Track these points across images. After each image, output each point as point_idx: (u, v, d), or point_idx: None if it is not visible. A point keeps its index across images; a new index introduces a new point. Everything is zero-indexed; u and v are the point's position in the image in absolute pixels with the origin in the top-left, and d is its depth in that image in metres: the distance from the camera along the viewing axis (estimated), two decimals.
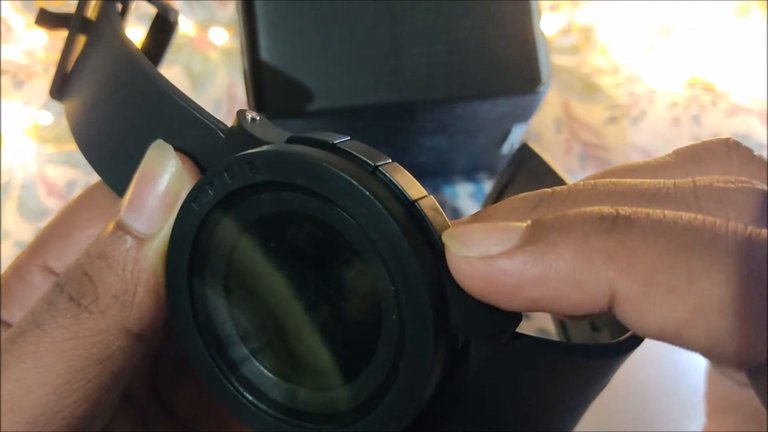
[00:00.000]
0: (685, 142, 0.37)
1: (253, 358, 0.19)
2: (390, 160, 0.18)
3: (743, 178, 0.17)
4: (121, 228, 0.19)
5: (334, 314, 0.17)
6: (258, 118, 0.19)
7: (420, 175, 0.55)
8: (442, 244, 0.16)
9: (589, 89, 0.52)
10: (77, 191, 0.50)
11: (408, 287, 0.16)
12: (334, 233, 0.17)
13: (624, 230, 0.15)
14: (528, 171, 0.37)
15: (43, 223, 0.23)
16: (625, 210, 0.16)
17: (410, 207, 0.16)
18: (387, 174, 0.17)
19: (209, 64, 0.52)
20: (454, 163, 0.48)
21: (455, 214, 0.50)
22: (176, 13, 0.27)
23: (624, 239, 0.15)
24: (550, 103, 0.52)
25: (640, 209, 0.16)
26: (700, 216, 0.15)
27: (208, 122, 0.19)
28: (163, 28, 0.27)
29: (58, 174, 0.50)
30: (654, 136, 0.51)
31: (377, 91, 0.37)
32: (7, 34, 0.53)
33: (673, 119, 0.51)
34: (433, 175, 0.50)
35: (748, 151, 0.18)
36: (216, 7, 0.53)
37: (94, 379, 0.18)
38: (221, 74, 0.52)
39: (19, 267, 0.22)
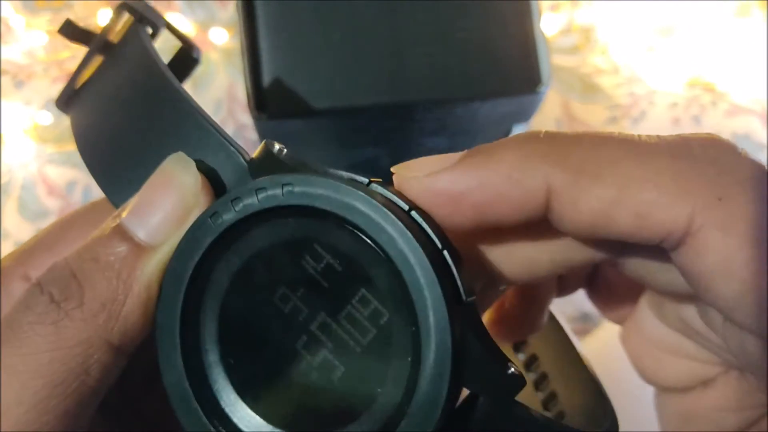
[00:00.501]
0: None
1: (236, 393, 0.18)
2: (420, 207, 0.18)
3: None
4: (121, 233, 0.18)
5: (336, 352, 0.17)
6: (285, 149, 0.19)
7: None
8: (467, 295, 0.17)
9: (589, 89, 0.52)
10: (77, 191, 0.50)
11: (432, 333, 0.16)
12: (356, 268, 0.16)
13: (554, 137, 0.17)
14: None
15: (44, 224, 0.22)
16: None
17: (440, 253, 0.16)
18: (420, 218, 0.17)
19: (209, 64, 0.52)
20: None
21: None
22: (199, 50, 0.26)
23: (556, 141, 0.17)
24: (550, 103, 0.52)
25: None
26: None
27: (232, 147, 0.19)
28: (184, 63, 0.26)
29: (59, 174, 0.50)
30: None
31: (377, 92, 0.37)
32: (7, 34, 0.53)
33: (673, 119, 0.51)
34: None
35: None
36: (216, 7, 0.54)
37: (71, 394, 0.17)
38: (221, 74, 0.52)
39: (1, 274, 0.21)
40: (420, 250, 0.16)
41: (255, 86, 0.37)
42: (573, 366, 0.26)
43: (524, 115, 0.41)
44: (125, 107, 0.21)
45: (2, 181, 0.50)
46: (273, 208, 0.17)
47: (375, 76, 0.37)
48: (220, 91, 0.52)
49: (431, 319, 0.16)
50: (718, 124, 0.51)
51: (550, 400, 0.27)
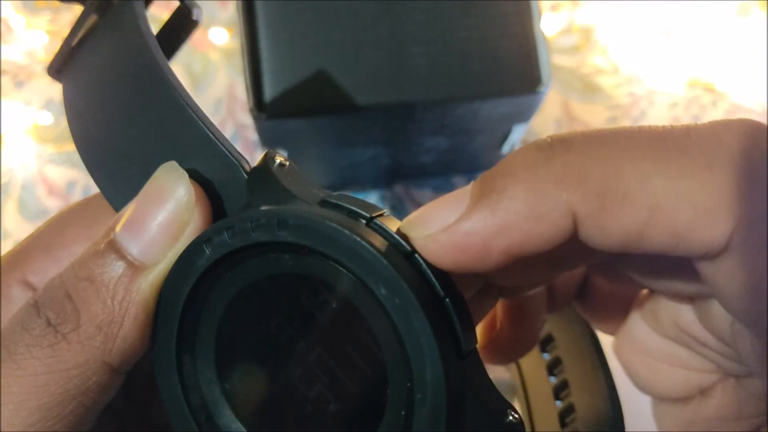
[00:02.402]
0: None
1: (233, 414, 0.17)
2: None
3: None
4: (115, 250, 0.17)
5: (332, 390, 0.16)
6: (287, 163, 0.18)
7: (420, 175, 0.55)
8: (467, 346, 0.16)
9: (590, 89, 0.52)
10: (77, 191, 0.50)
11: (427, 390, 0.15)
12: (354, 310, 0.16)
13: (564, 151, 0.15)
14: None
15: None
16: (558, 135, 0.16)
17: (442, 302, 0.16)
18: (423, 263, 0.16)
19: (209, 64, 0.52)
20: (454, 163, 0.48)
21: None
22: (201, 10, 0.24)
23: (567, 160, 0.15)
24: (551, 103, 0.52)
25: (574, 132, 0.16)
26: (634, 126, 0.16)
27: (230, 155, 0.18)
28: (182, 25, 0.24)
29: (59, 174, 0.50)
30: None
31: (377, 91, 0.37)
32: (7, 34, 0.53)
33: (673, 119, 0.51)
34: (433, 175, 0.50)
35: None
36: (216, 7, 0.53)
37: (68, 416, 0.17)
38: (221, 74, 0.52)
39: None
40: (417, 304, 0.15)
41: (255, 86, 0.37)
42: (589, 355, 0.26)
43: (524, 115, 0.41)
44: (117, 92, 0.19)
45: (2, 181, 0.50)
46: (269, 242, 0.16)
47: (375, 76, 0.37)
48: (220, 91, 0.52)
49: (427, 376, 0.15)
50: None
51: (561, 389, 0.26)
